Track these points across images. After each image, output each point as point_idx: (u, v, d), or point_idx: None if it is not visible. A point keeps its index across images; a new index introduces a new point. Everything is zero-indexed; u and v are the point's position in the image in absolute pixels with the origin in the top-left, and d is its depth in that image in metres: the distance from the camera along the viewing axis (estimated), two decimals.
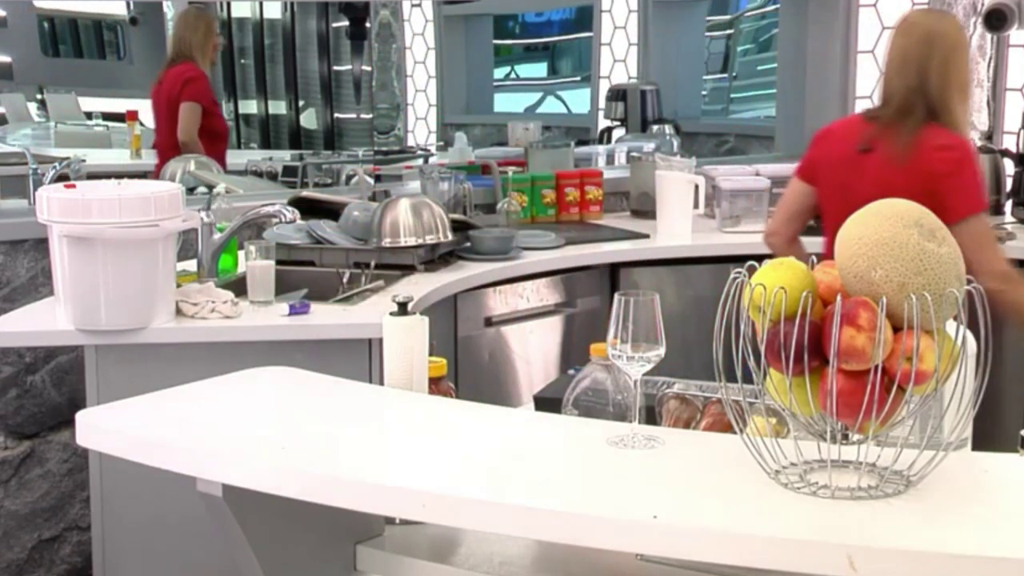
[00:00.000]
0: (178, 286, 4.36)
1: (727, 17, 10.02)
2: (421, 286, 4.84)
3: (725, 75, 10.12)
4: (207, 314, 4.28)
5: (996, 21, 6.64)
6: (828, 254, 4.82)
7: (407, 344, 3.03)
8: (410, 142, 9.09)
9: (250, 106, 9.62)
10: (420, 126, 9.02)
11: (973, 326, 2.37)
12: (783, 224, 5.04)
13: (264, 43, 9.35)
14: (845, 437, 2.37)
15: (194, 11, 7.98)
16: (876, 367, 2.26)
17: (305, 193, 5.96)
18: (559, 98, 10.43)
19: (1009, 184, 6.64)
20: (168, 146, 7.19)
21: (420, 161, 7.27)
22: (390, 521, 2.91)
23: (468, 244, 5.41)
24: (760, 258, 2.42)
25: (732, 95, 10.08)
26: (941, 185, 4.47)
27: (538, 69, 10.60)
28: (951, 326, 2.36)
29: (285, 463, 2.62)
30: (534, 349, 5.54)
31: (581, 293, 5.62)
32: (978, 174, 4.82)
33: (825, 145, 4.95)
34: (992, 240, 4.83)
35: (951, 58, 4.74)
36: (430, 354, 3.09)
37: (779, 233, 5.01)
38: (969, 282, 2.33)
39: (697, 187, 5.99)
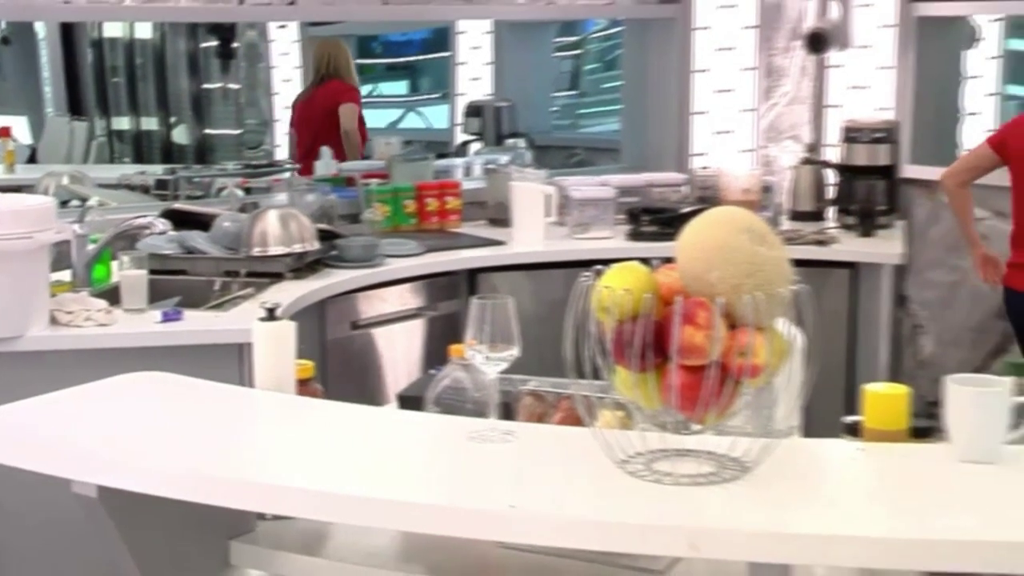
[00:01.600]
0: (53, 295, 4.34)
1: (575, 38, 10.13)
2: (290, 293, 4.85)
3: (574, 92, 10.22)
4: (82, 322, 4.26)
5: (816, 44, 6.78)
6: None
7: (276, 348, 3.05)
8: (278, 156, 9.06)
9: (123, 122, 9.54)
10: (288, 141, 9.01)
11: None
12: (961, 171, 5.92)
13: (135, 62, 9.29)
14: (686, 428, 2.42)
15: (334, 40, 8.43)
16: (714, 362, 2.32)
17: (177, 205, 5.96)
18: (419, 114, 10.46)
19: (831, 192, 6.78)
20: (311, 152, 7.43)
21: (288, 174, 7.25)
22: (262, 517, 2.92)
23: (334, 252, 5.42)
24: (607, 262, 2.46)
25: (580, 111, 10.18)
26: None
27: (400, 87, 10.62)
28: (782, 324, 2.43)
29: (158, 464, 2.62)
30: (398, 351, 5.55)
31: (442, 297, 5.66)
32: None
33: (1019, 131, 5.71)
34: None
35: None
36: (298, 357, 3.10)
37: (955, 176, 5.85)
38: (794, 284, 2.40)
39: (549, 197, 6.04)
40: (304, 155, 7.76)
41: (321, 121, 7.89)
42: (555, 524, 2.34)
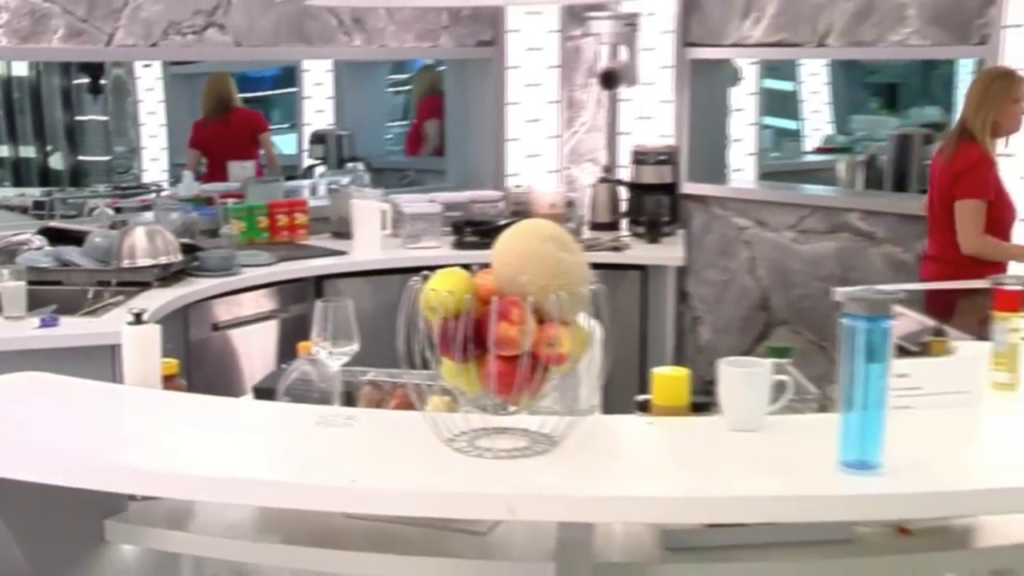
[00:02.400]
0: None
1: (405, 76, 10.14)
2: (156, 299, 4.76)
3: (405, 122, 10.23)
4: None
5: (609, 81, 6.85)
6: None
7: (143, 349, 2.99)
8: (145, 179, 8.92)
9: (3, 151, 9.33)
10: (154, 166, 8.89)
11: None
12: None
13: (13, 96, 9.09)
14: (503, 409, 2.42)
15: (223, 74, 8.31)
16: (525, 353, 2.32)
17: (53, 224, 5.85)
18: (272, 142, 10.39)
19: (623, 206, 6.84)
20: (222, 168, 7.35)
21: (154, 195, 7.15)
22: (133, 498, 2.86)
23: (196, 263, 5.35)
24: (434, 268, 2.46)
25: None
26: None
27: None
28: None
29: (36, 453, 2.56)
30: (254, 349, 5.49)
31: (292, 301, 5.61)
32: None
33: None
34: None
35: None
36: (164, 356, 3.05)
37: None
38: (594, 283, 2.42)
39: (384, 212, 6.03)
40: (214, 172, 7.68)
41: (240, 142, 7.92)
42: (391, 496, 2.33)
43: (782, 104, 10.47)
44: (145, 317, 3.05)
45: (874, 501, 2.28)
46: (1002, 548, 2.70)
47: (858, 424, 2.28)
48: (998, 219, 5.31)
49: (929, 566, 2.72)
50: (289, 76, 9.37)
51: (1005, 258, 5.26)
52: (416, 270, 2.47)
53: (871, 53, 6.68)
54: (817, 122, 10.80)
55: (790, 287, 6.78)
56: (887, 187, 8.38)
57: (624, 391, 2.93)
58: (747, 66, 7.67)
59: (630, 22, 6.79)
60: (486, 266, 2.46)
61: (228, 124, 8.13)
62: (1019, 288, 3.18)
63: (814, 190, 7.57)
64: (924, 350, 3.15)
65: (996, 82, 5.36)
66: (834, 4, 6.49)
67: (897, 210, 6.64)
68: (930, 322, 3.67)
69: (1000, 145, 5.39)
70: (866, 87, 11.41)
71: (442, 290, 2.35)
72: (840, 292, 2.31)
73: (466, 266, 2.47)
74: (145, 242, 5.01)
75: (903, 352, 3.03)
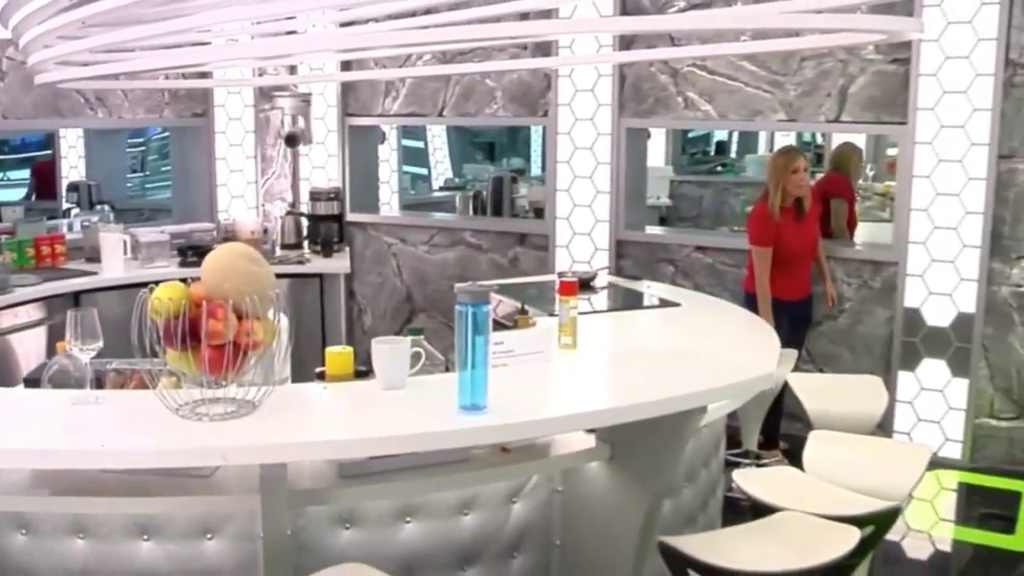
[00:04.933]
0: None
1: (141, 139, 9.71)
2: None
3: (142, 173, 9.80)
4: None
5: (291, 141, 6.72)
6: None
7: None
8: None
9: None
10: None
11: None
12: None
13: None
14: (216, 385, 2.33)
15: None
16: (230, 342, 2.24)
17: None
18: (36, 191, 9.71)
19: (305, 231, 6.71)
20: None
21: None
22: None
23: None
24: (159, 282, 2.34)
25: (147, 185, 9.79)
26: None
27: (24, 173, 9.78)
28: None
29: None
30: (29, 349, 5.14)
31: (56, 312, 5.23)
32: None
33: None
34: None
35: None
36: None
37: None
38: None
39: (125, 241, 5.74)
40: None
41: None
42: (133, 454, 2.22)
43: (416, 156, 10.56)
44: None
45: (482, 431, 2.31)
46: (570, 455, 2.79)
47: (470, 379, 2.31)
48: (778, 255, 5.08)
49: (522, 472, 2.79)
50: (50, 139, 8.77)
51: (762, 299, 5.06)
52: (155, 284, 2.35)
53: (474, 121, 6.82)
54: (441, 169, 10.96)
55: (426, 285, 6.84)
56: (488, 213, 8.59)
57: (310, 366, 2.87)
58: (390, 130, 7.70)
59: (305, 99, 6.69)
60: (198, 279, 2.36)
61: None
62: (575, 280, 3.29)
63: (440, 216, 7.68)
64: (515, 324, 3.21)
65: (779, 158, 5.22)
66: (447, 87, 6.58)
67: (495, 228, 6.81)
68: (518, 304, 3.75)
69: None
70: (473, 144, 11.64)
71: (164, 298, 2.25)
72: (457, 287, 2.33)
73: (184, 279, 2.36)
74: None
75: (500, 326, 3.10)
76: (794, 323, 5.18)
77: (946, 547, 4.45)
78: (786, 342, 5.06)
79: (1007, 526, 4.61)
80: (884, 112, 5.39)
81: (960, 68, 5.09)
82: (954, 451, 5.29)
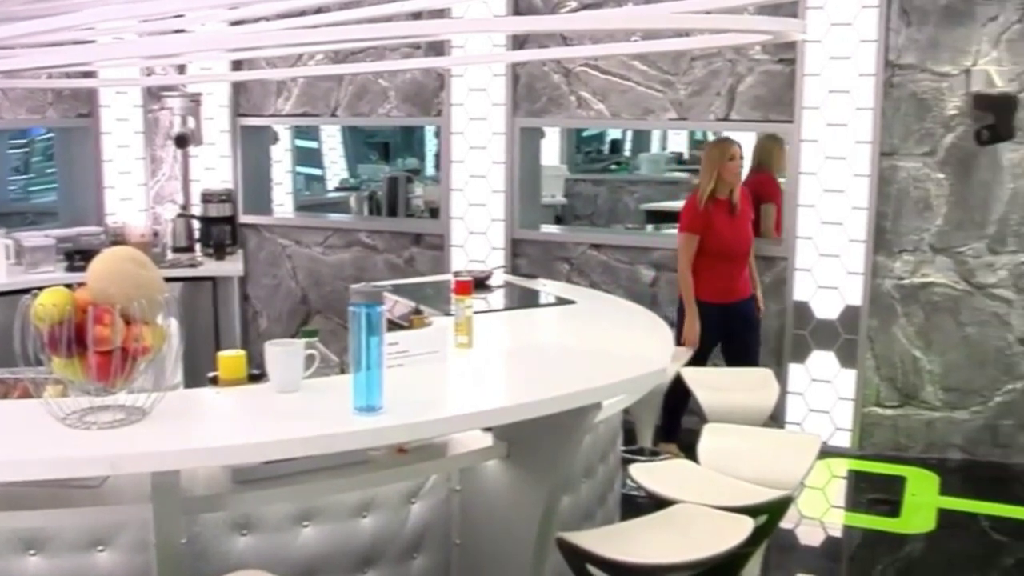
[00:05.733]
0: None
1: (24, 140, 9.39)
2: None
3: (26, 176, 9.49)
4: None
5: (181, 142, 6.59)
6: None
7: None
8: None
9: None
10: None
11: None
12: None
13: None
14: (105, 392, 2.27)
15: None
16: (117, 348, 2.19)
17: None
18: None
19: (197, 234, 6.60)
20: None
21: None
22: None
23: None
24: (43, 288, 2.28)
25: (31, 188, 9.49)
26: None
27: None
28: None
29: None
30: None
31: None
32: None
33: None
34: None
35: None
36: None
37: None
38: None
39: (8, 246, 5.57)
40: None
41: None
42: (18, 465, 2.14)
43: (310, 157, 10.46)
44: None
45: (377, 433, 2.31)
46: (467, 454, 2.80)
47: (364, 380, 2.30)
48: (709, 248, 5.02)
49: (420, 472, 2.79)
50: None
51: (684, 287, 5.04)
52: (38, 290, 2.28)
53: (367, 121, 6.78)
54: (336, 170, 10.87)
55: (321, 286, 6.77)
56: (384, 213, 8.56)
57: (205, 371, 2.82)
58: (283, 130, 7.61)
59: (195, 99, 6.56)
60: (84, 284, 2.30)
61: None
62: (470, 279, 3.30)
63: (335, 217, 7.62)
64: (410, 324, 3.21)
65: (714, 148, 5.16)
66: (340, 87, 6.53)
67: (391, 228, 6.79)
68: (413, 304, 3.74)
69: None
70: (367, 145, 11.57)
71: (48, 304, 2.19)
72: (352, 289, 2.32)
73: (69, 285, 2.30)
74: None
75: (395, 326, 3.09)
76: (741, 326, 5.14)
77: (837, 533, 4.59)
78: (737, 348, 5.13)
79: (893, 510, 4.77)
80: (772, 111, 5.53)
81: (843, 68, 5.25)
82: (843, 440, 5.46)
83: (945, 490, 5.02)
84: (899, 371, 5.48)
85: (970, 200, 5.29)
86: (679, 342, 4.88)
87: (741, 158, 5.12)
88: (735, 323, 5.13)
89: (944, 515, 4.71)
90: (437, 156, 9.70)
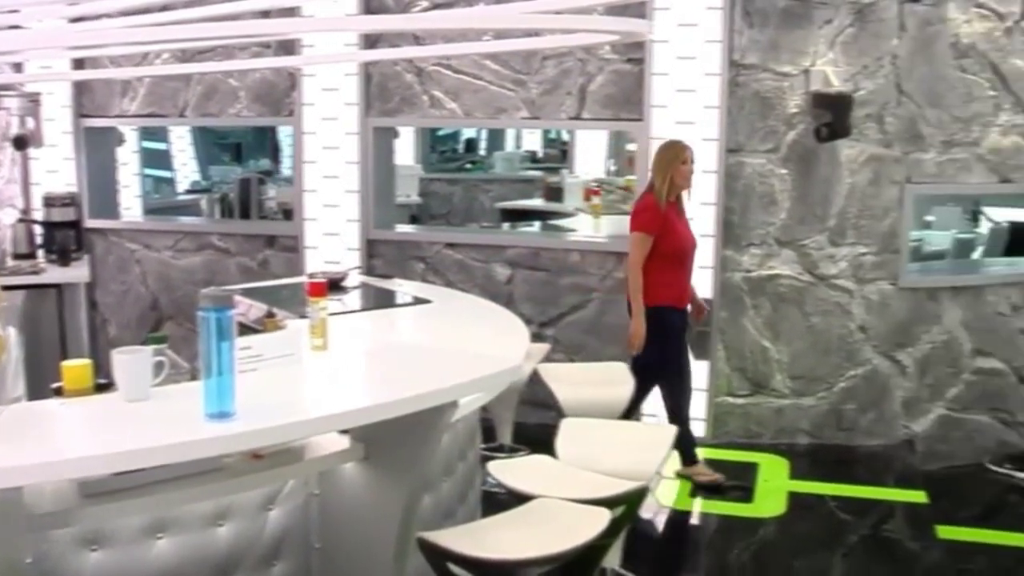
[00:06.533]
0: None
1: None
2: None
3: None
4: None
5: (20, 144, 6.31)
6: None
7: None
8: None
9: None
10: None
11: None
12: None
13: None
14: None
15: None
16: None
17: None
18: None
19: (40, 239, 6.34)
20: None
21: None
22: None
23: None
24: None
25: None
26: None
27: None
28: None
29: None
30: None
31: None
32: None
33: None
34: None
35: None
36: None
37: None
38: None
39: None
40: None
41: None
42: None
43: (159, 159, 10.16)
44: None
45: (230, 439, 2.26)
46: (324, 457, 2.78)
47: (216, 386, 2.26)
48: (665, 250, 4.83)
49: (277, 478, 2.75)
50: None
51: (633, 288, 4.82)
52: None
53: (217, 121, 6.65)
54: (186, 172, 10.60)
55: (173, 291, 6.61)
56: (236, 216, 8.39)
57: (50, 383, 2.71)
58: (129, 132, 7.37)
59: (34, 99, 6.30)
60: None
61: None
62: (324, 280, 3.26)
63: (186, 220, 7.46)
64: (263, 328, 3.16)
65: (667, 150, 4.89)
66: (188, 87, 6.39)
67: (243, 231, 6.68)
68: (266, 307, 3.67)
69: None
70: (219, 145, 11.30)
71: None
72: (202, 293, 2.26)
73: None
74: None
75: (248, 330, 3.04)
76: (684, 333, 5.03)
77: (695, 520, 4.72)
78: (680, 355, 4.97)
79: (746, 495, 4.94)
80: (622, 109, 5.65)
81: (689, 68, 5.40)
82: (698, 429, 5.60)
83: (795, 474, 5.22)
84: (749, 361, 5.66)
85: (811, 195, 5.51)
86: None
87: (694, 161, 4.97)
88: (683, 328, 5.01)
89: (794, 498, 4.90)
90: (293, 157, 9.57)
